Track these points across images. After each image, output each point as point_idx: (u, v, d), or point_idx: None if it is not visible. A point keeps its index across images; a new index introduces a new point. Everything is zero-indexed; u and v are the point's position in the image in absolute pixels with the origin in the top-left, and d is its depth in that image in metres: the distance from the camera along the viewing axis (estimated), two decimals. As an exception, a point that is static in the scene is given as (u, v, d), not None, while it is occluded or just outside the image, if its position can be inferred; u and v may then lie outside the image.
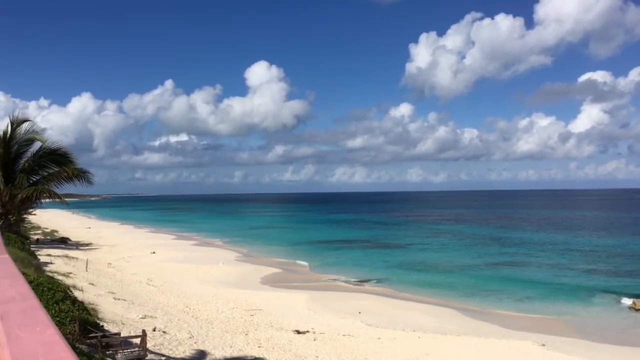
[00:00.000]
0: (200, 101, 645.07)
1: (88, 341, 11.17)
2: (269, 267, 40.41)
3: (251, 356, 16.15)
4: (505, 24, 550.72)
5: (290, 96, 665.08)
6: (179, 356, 14.28)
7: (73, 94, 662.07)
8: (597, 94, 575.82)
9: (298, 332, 20.82)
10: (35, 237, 50.71)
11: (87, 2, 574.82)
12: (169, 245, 55.70)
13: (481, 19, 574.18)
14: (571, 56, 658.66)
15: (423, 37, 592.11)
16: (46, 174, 22.69)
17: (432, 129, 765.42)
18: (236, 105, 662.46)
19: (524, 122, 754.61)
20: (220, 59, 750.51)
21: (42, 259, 28.68)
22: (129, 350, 12.08)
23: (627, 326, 24.84)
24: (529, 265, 43.67)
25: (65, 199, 24.12)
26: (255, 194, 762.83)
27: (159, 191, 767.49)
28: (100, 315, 16.44)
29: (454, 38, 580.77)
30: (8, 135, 21.48)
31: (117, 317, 17.69)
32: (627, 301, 28.90)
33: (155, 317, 19.34)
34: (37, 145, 22.30)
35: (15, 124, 21.57)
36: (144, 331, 12.94)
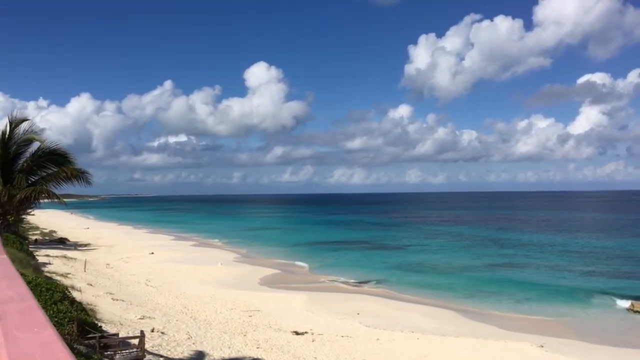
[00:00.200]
0: (200, 102, 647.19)
1: (86, 342, 11.16)
2: (267, 268, 40.36)
3: (249, 357, 16.12)
4: (504, 25, 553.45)
5: (289, 97, 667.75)
6: (177, 357, 14.25)
7: (72, 94, 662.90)
8: (596, 95, 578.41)
9: (297, 333, 20.80)
10: (34, 237, 50.61)
11: (86, 2, 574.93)
12: (168, 245, 55.56)
13: (480, 20, 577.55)
14: (570, 58, 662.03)
15: (422, 38, 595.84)
16: (45, 174, 22.62)
17: (431, 130, 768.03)
18: (235, 106, 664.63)
19: (522, 124, 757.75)
20: (219, 59, 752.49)
21: (41, 259, 28.67)
22: (127, 350, 12.06)
23: (625, 328, 24.87)
24: (527, 266, 43.68)
25: (64, 200, 24.02)
26: (254, 194, 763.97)
27: (157, 192, 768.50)
28: (98, 316, 16.44)
29: (453, 39, 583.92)
30: (7, 136, 21.41)
31: (116, 317, 17.67)
32: (625, 303, 28.93)
33: (154, 318, 19.32)
34: (35, 145, 22.25)
35: (14, 123, 21.50)
36: (142, 332, 12.91)
